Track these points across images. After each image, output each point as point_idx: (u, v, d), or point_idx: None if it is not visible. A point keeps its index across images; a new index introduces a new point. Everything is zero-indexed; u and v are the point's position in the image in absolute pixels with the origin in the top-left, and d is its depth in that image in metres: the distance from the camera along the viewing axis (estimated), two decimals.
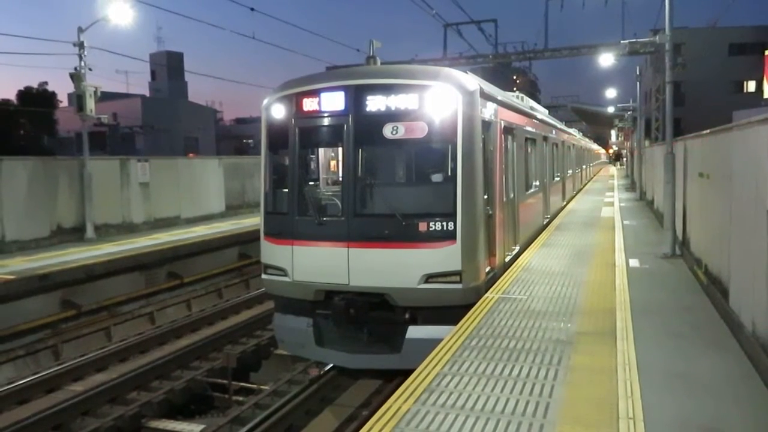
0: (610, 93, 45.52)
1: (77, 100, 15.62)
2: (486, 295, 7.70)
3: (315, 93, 7.80)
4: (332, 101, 7.68)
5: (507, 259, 9.42)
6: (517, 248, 10.38)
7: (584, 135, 47.53)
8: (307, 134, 8.11)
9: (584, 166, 34.10)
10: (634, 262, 10.15)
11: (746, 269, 5.71)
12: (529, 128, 12.11)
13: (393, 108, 7.41)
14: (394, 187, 8.27)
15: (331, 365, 8.65)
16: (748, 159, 5.59)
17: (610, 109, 41.55)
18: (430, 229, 7.25)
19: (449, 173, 7.50)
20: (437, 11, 19.96)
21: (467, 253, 7.25)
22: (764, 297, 4.98)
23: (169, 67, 64.50)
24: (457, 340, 6.02)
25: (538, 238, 12.71)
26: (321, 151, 9.29)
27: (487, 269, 8.01)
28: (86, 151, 15.67)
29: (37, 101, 44.53)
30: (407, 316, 7.40)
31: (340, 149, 8.11)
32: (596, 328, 6.33)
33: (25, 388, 8.65)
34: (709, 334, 6.29)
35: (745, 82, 51.75)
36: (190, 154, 34.18)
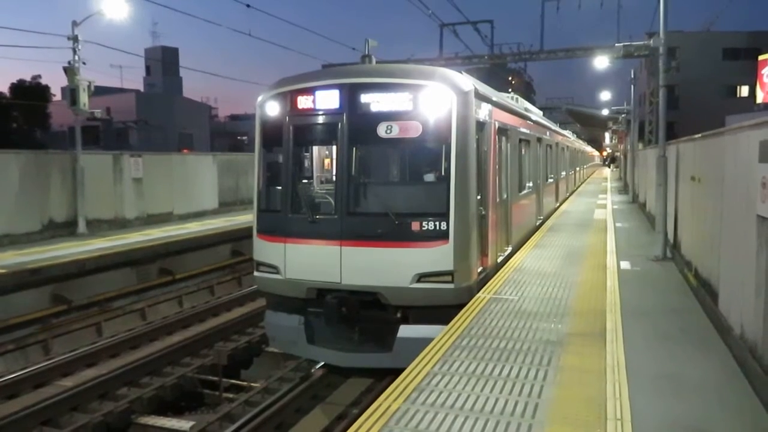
0: (605, 95, 45.92)
1: (70, 94, 15.52)
2: (478, 295, 7.72)
3: (310, 91, 7.80)
4: (327, 99, 7.69)
5: (499, 259, 9.45)
6: (510, 249, 10.41)
7: (578, 137, 47.66)
8: (301, 132, 8.11)
9: (578, 168, 34.23)
10: (625, 264, 10.20)
11: (735, 273, 5.76)
12: (523, 129, 12.14)
13: (387, 107, 7.42)
14: (388, 186, 8.28)
15: (322, 363, 8.65)
16: (739, 163, 5.63)
17: (605, 112, 41.69)
18: (423, 228, 7.27)
19: (443, 173, 7.52)
20: (433, 11, 19.96)
21: (459, 253, 7.27)
22: (752, 300, 5.02)
23: (164, 63, 64.25)
24: (447, 340, 6.03)
25: (531, 238, 12.75)
26: (315, 149, 9.28)
27: (480, 269, 8.03)
28: (79, 146, 15.59)
29: (30, 94, 44.28)
30: (399, 315, 7.41)
31: (334, 147, 8.12)
32: (586, 330, 6.36)
33: (14, 383, 8.60)
34: (698, 337, 6.34)
35: (738, 87, 52.06)
36: (184, 150, 34.04)
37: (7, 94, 45.85)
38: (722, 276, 6.44)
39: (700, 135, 8.34)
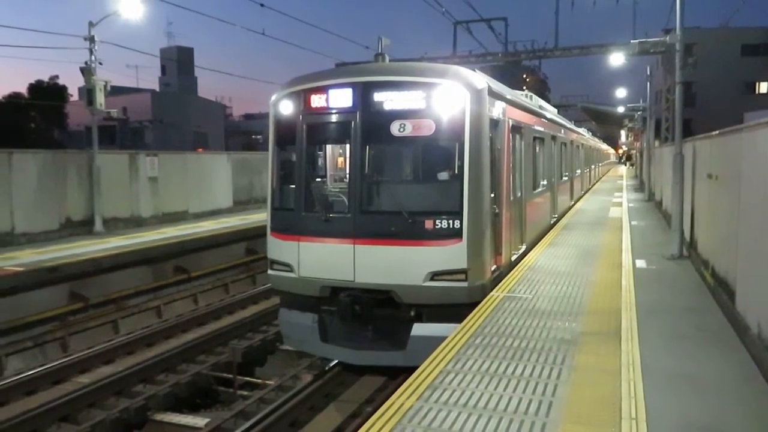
0: (621, 93, 45.22)
1: (87, 94, 15.71)
2: (491, 293, 7.69)
3: (323, 89, 7.82)
4: (340, 98, 7.70)
5: (513, 257, 9.41)
6: (524, 247, 10.36)
7: (594, 135, 47.30)
8: (314, 131, 8.13)
9: (593, 166, 33.96)
10: (640, 263, 10.11)
11: (753, 271, 5.68)
12: (537, 127, 12.07)
13: (401, 105, 7.42)
14: (401, 184, 8.28)
15: (336, 361, 8.68)
16: (757, 161, 5.56)
17: (620, 109, 41.29)
18: (437, 226, 7.26)
19: (456, 171, 7.50)
20: (447, 9, 19.90)
21: (473, 251, 7.26)
22: None
23: (179, 62, 64.72)
24: (461, 338, 6.02)
25: (545, 237, 12.68)
26: (328, 147, 9.31)
27: (493, 268, 8.01)
28: (95, 145, 15.76)
29: (47, 95, 44.84)
30: (412, 313, 7.41)
31: (347, 146, 8.13)
32: (601, 329, 6.31)
33: (33, 379, 8.73)
34: (715, 336, 6.27)
35: (757, 84, 51.30)
36: (199, 149, 34.25)
37: (26, 95, 46.44)
38: (740, 274, 6.36)
39: (717, 132, 8.24)
